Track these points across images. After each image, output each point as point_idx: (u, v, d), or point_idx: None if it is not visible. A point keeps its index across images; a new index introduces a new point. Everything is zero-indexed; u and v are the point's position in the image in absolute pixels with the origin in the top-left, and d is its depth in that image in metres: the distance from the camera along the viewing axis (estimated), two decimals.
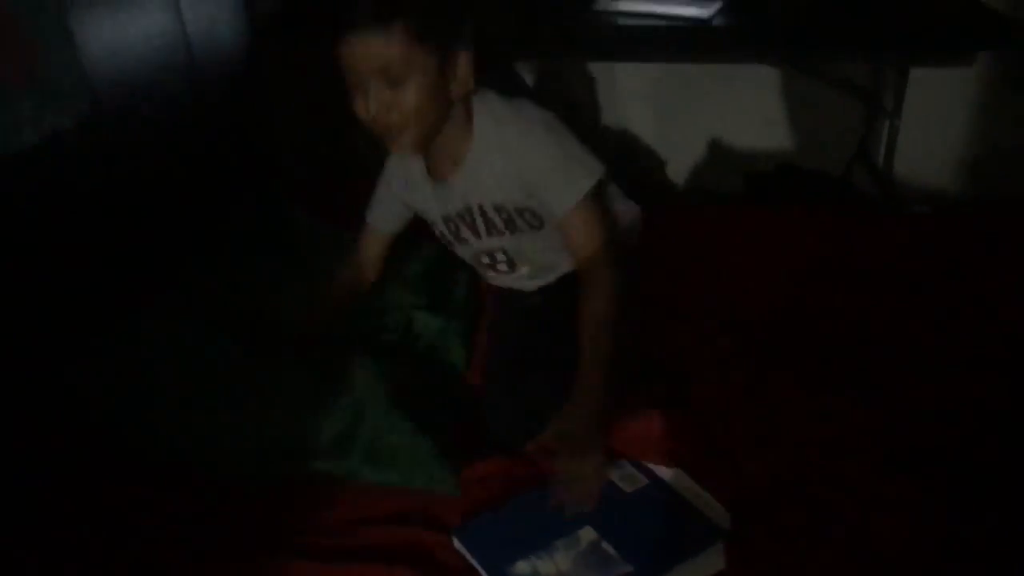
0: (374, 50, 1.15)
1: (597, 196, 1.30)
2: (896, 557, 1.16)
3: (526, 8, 2.38)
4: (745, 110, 2.68)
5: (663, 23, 2.19)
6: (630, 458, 1.32)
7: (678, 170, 2.81)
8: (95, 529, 1.20)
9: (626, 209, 1.50)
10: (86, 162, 1.42)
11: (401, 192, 1.43)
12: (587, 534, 1.20)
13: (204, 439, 1.30)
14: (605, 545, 1.18)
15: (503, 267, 1.47)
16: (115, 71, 1.49)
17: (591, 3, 2.28)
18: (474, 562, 1.18)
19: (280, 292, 1.52)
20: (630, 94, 2.78)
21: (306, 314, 1.49)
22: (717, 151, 2.77)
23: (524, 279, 1.49)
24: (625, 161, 2.80)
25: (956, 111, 2.59)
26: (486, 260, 1.46)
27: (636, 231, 1.53)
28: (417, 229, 1.52)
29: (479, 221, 1.37)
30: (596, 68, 2.74)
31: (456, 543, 1.20)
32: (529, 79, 2.72)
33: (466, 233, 1.41)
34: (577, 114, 2.78)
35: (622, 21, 2.23)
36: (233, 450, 1.29)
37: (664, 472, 1.31)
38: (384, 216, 1.49)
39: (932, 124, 2.57)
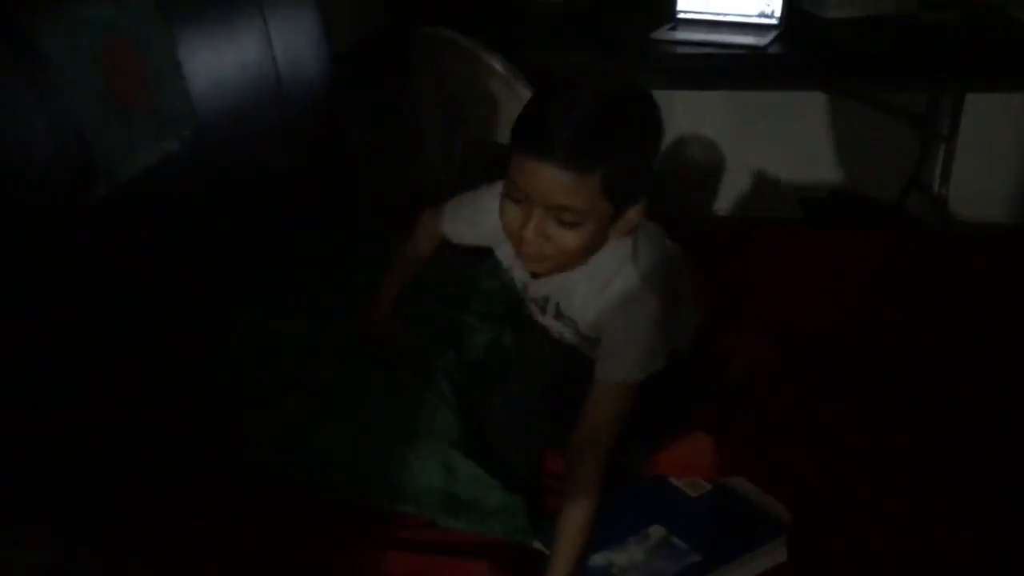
0: (560, 188, 1.05)
1: (636, 388, 1.22)
2: (958, 569, 1.21)
3: (586, 35, 2.49)
4: (800, 137, 2.74)
5: (720, 51, 2.26)
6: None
7: (734, 196, 2.86)
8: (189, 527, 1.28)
9: (692, 313, 1.46)
10: (193, 182, 1.55)
11: (494, 236, 1.26)
12: (656, 531, 1.28)
13: (303, 459, 1.37)
14: (675, 539, 1.26)
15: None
16: (216, 99, 1.62)
17: (648, 32, 2.36)
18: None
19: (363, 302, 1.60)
20: (687, 122, 2.85)
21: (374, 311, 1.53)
22: (773, 177, 2.83)
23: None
24: (681, 188, 2.87)
25: (1011, 136, 2.62)
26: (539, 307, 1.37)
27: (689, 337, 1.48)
28: None
29: (549, 308, 1.32)
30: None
31: (537, 544, 1.28)
32: None
33: (534, 308, 1.37)
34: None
35: (680, 50, 2.30)
36: (329, 476, 1.36)
37: (725, 479, 1.38)
38: (460, 234, 1.43)
39: (987, 150, 2.60)
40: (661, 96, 2.66)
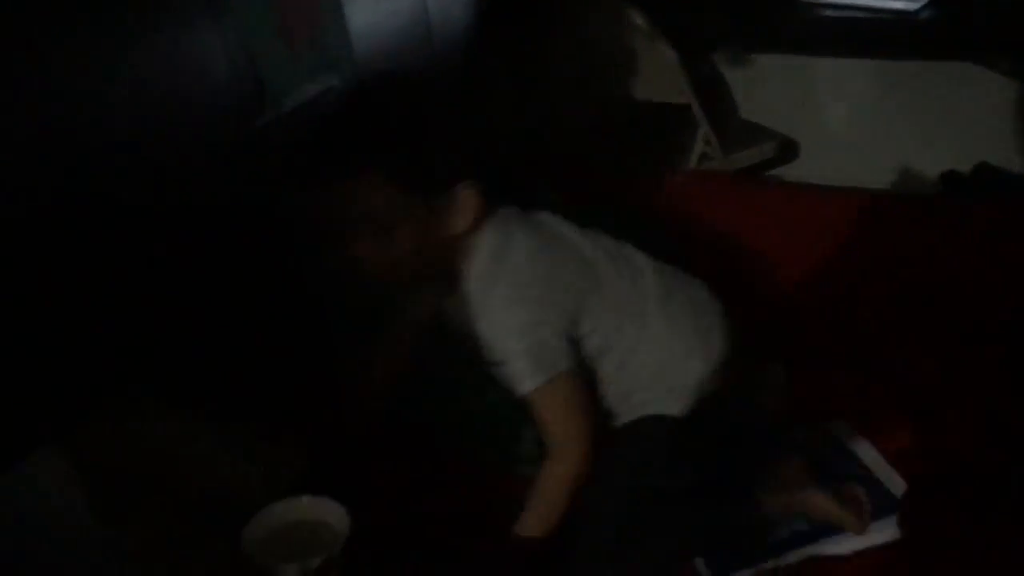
0: (352, 198, 1.10)
1: (562, 389, 1.16)
2: None
3: (729, 2, 2.47)
4: (945, 108, 2.64)
5: (868, 15, 2.22)
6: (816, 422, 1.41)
7: (873, 169, 2.80)
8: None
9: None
10: None
11: None
12: None
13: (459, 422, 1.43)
14: None
15: None
16: (372, 40, 1.72)
17: None
18: None
19: None
20: (826, 90, 2.80)
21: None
22: (914, 150, 2.74)
23: None
24: (818, 158, 2.83)
25: None
26: None
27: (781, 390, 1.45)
28: None
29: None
30: (795, 62, 2.78)
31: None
32: (730, 73, 2.81)
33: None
34: (774, 106, 2.83)
35: (826, 14, 2.27)
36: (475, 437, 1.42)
37: (848, 439, 1.38)
38: None
39: None
40: (801, 63, 2.64)
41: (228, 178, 1.39)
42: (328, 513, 0.92)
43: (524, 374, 1.13)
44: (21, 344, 1.04)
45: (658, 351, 1.25)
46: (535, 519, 1.16)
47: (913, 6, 2.19)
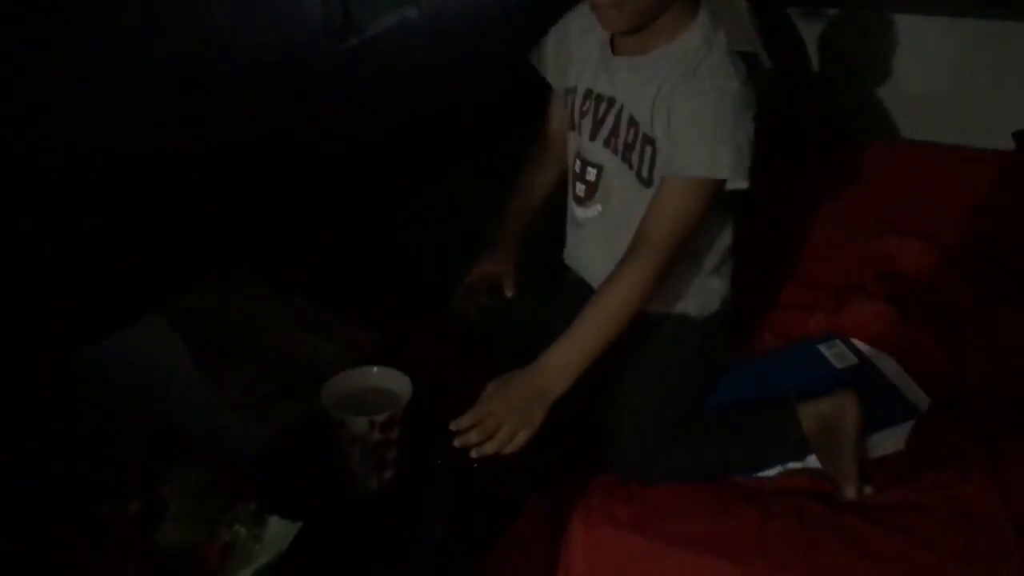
0: None
1: (710, 195, 1.12)
2: None
3: None
4: (1019, 66, 2.63)
5: None
6: (844, 335, 1.50)
7: (945, 126, 2.80)
8: None
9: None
10: (423, 49, 1.80)
11: (571, 39, 1.28)
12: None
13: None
14: None
15: (581, 190, 1.30)
16: None
17: None
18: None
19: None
20: (901, 47, 2.80)
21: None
22: (987, 108, 2.74)
23: (589, 225, 1.33)
24: (891, 114, 2.85)
25: None
26: (577, 168, 1.30)
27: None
28: None
29: (609, 120, 1.23)
30: (868, 18, 2.79)
31: None
32: (804, 28, 2.83)
33: (587, 126, 1.26)
34: (846, 61, 2.85)
35: None
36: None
37: (874, 354, 1.47)
38: (544, 60, 1.35)
39: None
40: (879, 17, 2.64)
41: (315, 93, 1.53)
42: (393, 380, 1.05)
43: (722, 163, 1.09)
44: (135, 227, 1.23)
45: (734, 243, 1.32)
46: (593, 332, 1.09)
47: None
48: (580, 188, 1.29)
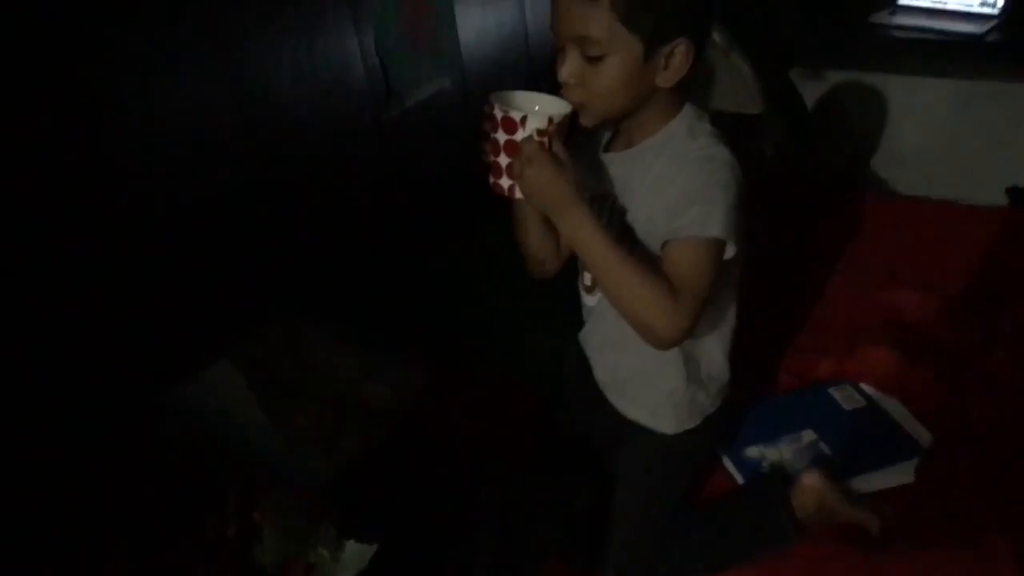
0: (575, 16, 1.05)
1: (714, 256, 1.10)
2: None
3: (807, 16, 2.64)
4: (1012, 126, 2.76)
5: (935, 37, 2.36)
6: (854, 381, 1.61)
7: (940, 182, 2.91)
8: None
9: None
10: (458, 115, 1.93)
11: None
12: (808, 435, 1.49)
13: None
14: (822, 445, 1.47)
15: (587, 278, 1.33)
16: (478, 49, 1.98)
17: (866, 16, 2.49)
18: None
19: None
20: (897, 107, 2.94)
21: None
22: (980, 165, 2.86)
23: (596, 312, 1.35)
24: (890, 168, 2.98)
25: None
26: (580, 259, 1.27)
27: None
28: None
29: (603, 215, 1.21)
30: (866, 79, 2.93)
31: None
32: (805, 88, 2.97)
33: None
34: (846, 120, 2.99)
35: (896, 34, 2.42)
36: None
37: (881, 397, 1.57)
38: None
39: None
40: (877, 78, 2.76)
41: (363, 156, 1.67)
42: (556, 106, 1.07)
43: (716, 221, 1.07)
44: (208, 279, 1.35)
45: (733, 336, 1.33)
46: (604, 258, 1.07)
47: (980, 30, 2.32)
48: (587, 277, 1.33)
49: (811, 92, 2.97)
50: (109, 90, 1.21)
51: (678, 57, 1.08)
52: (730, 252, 1.11)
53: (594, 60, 1.06)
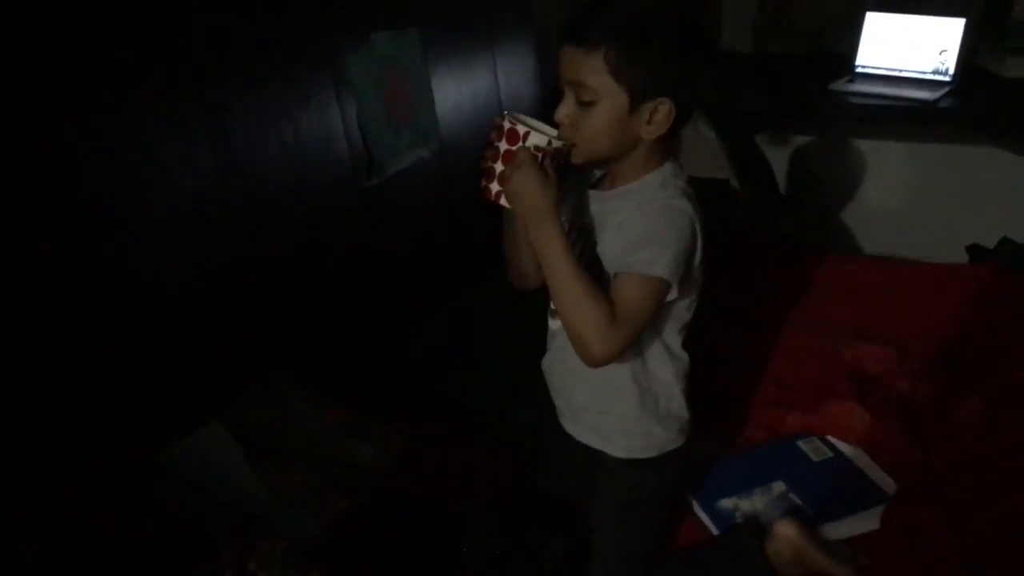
0: (572, 63, 1.16)
1: (655, 293, 1.19)
2: None
3: (769, 85, 2.76)
4: (969, 186, 2.87)
5: (890, 103, 2.47)
6: (821, 434, 1.67)
7: (903, 241, 3.01)
8: None
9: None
10: (437, 183, 2.01)
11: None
12: (779, 486, 1.55)
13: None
14: (792, 495, 1.53)
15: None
16: (455, 119, 2.07)
17: (826, 83, 2.61)
18: (691, 497, 1.54)
19: None
20: (860, 169, 3.06)
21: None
22: (941, 224, 2.96)
23: (558, 336, 1.36)
24: (851, 229, 3.08)
25: None
26: None
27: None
28: None
29: (577, 245, 1.30)
30: (829, 144, 3.06)
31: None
32: (770, 152, 3.09)
33: None
34: (811, 182, 3.10)
35: (853, 100, 2.53)
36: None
37: (847, 448, 1.64)
38: None
39: None
40: (839, 143, 2.87)
41: (346, 224, 1.74)
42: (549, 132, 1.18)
43: (663, 263, 1.16)
44: (193, 346, 1.40)
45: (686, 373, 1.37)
46: (565, 271, 1.16)
47: (933, 96, 2.44)
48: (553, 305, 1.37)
49: (777, 156, 3.09)
50: (96, 160, 1.27)
51: (661, 114, 1.17)
52: (673, 294, 1.20)
53: (587, 105, 1.17)
